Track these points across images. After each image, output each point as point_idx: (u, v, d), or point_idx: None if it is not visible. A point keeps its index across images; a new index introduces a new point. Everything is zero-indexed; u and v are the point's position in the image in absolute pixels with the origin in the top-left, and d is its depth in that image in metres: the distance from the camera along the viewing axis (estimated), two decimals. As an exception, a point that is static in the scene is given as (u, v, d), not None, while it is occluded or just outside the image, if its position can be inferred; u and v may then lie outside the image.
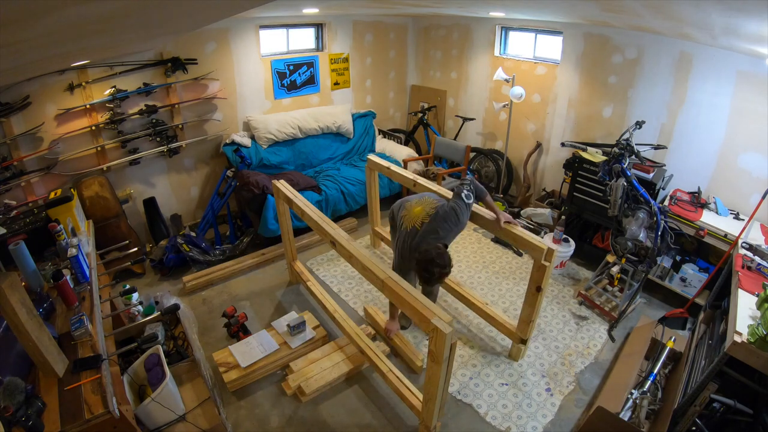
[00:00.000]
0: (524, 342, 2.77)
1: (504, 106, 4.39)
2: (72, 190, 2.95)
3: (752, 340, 1.91)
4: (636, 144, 2.99)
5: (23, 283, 1.88)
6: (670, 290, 3.32)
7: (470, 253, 4.04)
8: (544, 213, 4.13)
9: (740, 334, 1.97)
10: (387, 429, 2.43)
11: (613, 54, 3.75)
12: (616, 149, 3.00)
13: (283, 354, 2.77)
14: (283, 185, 3.13)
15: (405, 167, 4.41)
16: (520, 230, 2.59)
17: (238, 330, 2.99)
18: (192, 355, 2.59)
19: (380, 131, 5.39)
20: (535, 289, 2.52)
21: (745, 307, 2.17)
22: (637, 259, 3.12)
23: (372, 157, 3.70)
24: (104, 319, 2.12)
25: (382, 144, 5.17)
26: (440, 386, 2.02)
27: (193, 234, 3.81)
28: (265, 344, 2.80)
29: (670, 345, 2.62)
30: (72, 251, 2.18)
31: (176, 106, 3.84)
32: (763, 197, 2.66)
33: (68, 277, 2.06)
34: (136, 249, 2.97)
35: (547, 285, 2.50)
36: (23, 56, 1.61)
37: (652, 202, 2.92)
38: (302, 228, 4.10)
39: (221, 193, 3.97)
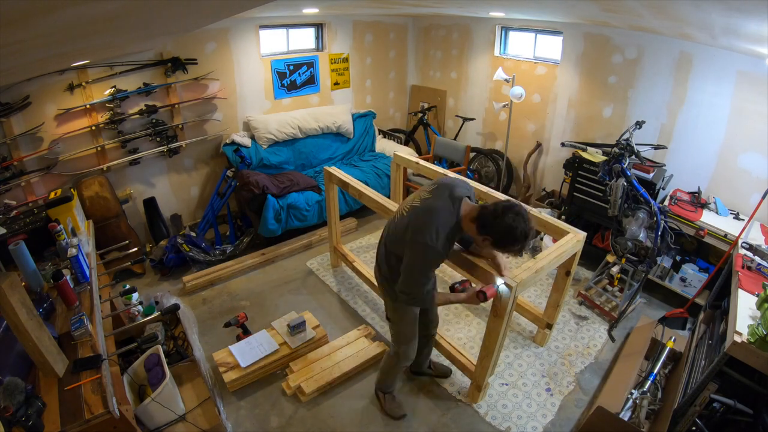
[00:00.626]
0: (550, 327, 2.87)
1: (504, 106, 4.39)
2: (72, 190, 2.95)
3: (752, 340, 1.91)
4: (636, 144, 2.99)
5: (23, 283, 1.88)
6: (670, 290, 3.32)
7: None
8: (544, 213, 4.12)
9: (740, 334, 1.97)
10: (388, 428, 2.43)
11: (613, 54, 3.75)
12: (616, 149, 3.00)
13: (283, 354, 2.78)
14: (334, 170, 3.31)
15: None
16: (550, 218, 2.67)
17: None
18: (192, 355, 2.59)
19: (380, 131, 5.40)
20: (565, 274, 2.61)
21: (745, 307, 2.17)
22: (637, 259, 3.12)
23: (398, 152, 3.78)
24: (104, 319, 2.12)
25: (382, 144, 5.18)
26: (499, 340, 2.17)
27: (193, 234, 3.81)
28: (265, 344, 2.80)
29: (670, 345, 2.62)
30: (72, 251, 2.18)
31: (176, 106, 3.84)
32: (763, 197, 2.66)
33: (68, 277, 2.06)
34: (136, 249, 2.97)
35: (575, 269, 2.61)
36: (23, 56, 1.62)
37: (652, 202, 2.92)
38: (303, 228, 4.11)
39: (221, 193, 3.97)
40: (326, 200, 3.49)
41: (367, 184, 3.62)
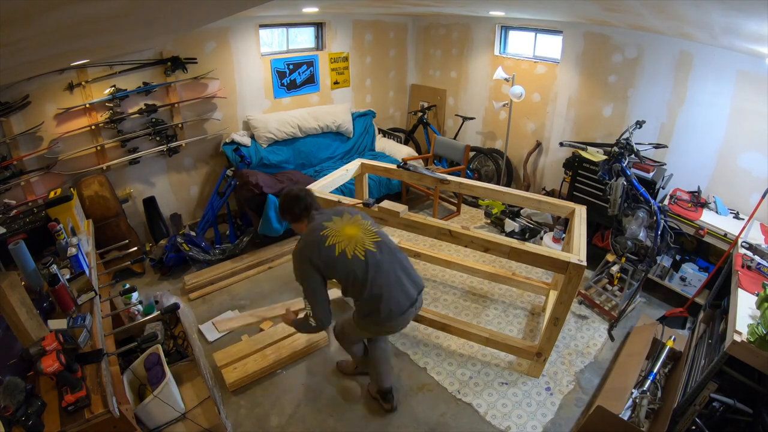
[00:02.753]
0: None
1: (504, 106, 4.39)
2: (72, 189, 2.94)
3: (752, 340, 1.91)
4: (636, 143, 2.99)
5: (23, 283, 1.88)
6: (669, 289, 3.32)
7: (470, 252, 4.04)
8: (544, 212, 4.13)
9: (740, 333, 1.97)
10: (389, 428, 2.43)
11: (613, 53, 3.74)
12: (615, 148, 2.99)
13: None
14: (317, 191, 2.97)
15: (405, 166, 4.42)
16: (549, 198, 2.86)
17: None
18: (192, 355, 2.59)
19: (380, 130, 5.39)
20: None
21: (744, 307, 2.17)
22: (637, 258, 3.12)
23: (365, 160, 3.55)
24: (104, 318, 2.12)
25: (382, 143, 5.17)
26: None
27: (192, 233, 3.80)
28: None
29: (669, 344, 2.62)
30: (72, 251, 2.18)
31: (176, 105, 3.83)
32: (763, 196, 2.66)
33: (66, 278, 2.06)
34: (135, 248, 2.96)
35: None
36: (23, 56, 1.61)
37: (652, 201, 2.91)
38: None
39: (221, 193, 3.96)
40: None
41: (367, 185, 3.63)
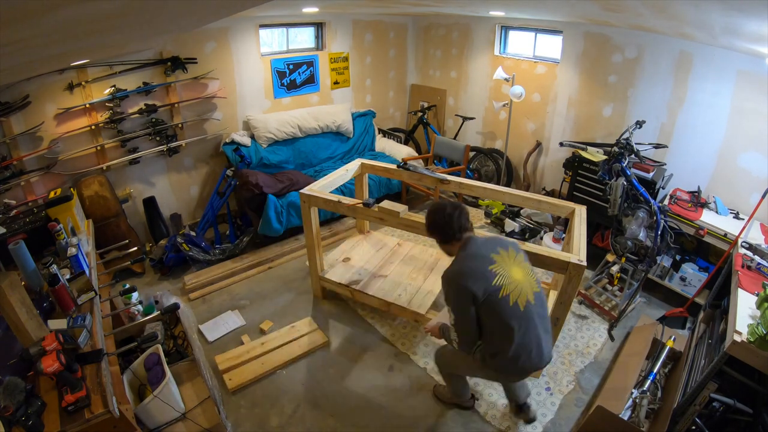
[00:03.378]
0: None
1: (504, 106, 4.39)
2: (72, 189, 2.94)
3: (752, 340, 1.91)
4: (636, 143, 2.99)
5: (23, 283, 1.88)
6: (669, 289, 3.32)
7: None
8: (544, 213, 4.13)
9: (740, 333, 1.97)
10: (387, 428, 2.43)
11: (613, 53, 3.74)
12: (615, 148, 2.99)
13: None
14: (315, 190, 2.93)
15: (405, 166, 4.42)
16: (550, 199, 2.84)
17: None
18: (192, 355, 2.59)
19: (380, 130, 5.39)
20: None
21: (744, 307, 2.17)
22: (637, 258, 3.12)
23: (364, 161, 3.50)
24: (104, 318, 2.12)
25: (382, 143, 5.17)
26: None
27: (192, 233, 3.80)
28: (230, 322, 3.14)
29: (669, 344, 2.62)
30: (72, 251, 2.18)
31: (176, 105, 3.83)
32: (763, 196, 2.65)
33: (66, 279, 2.05)
34: (135, 248, 2.96)
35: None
36: (23, 55, 1.61)
37: (652, 201, 2.91)
38: (302, 227, 4.10)
39: (221, 193, 3.96)
40: (304, 227, 3.06)
41: (367, 185, 3.63)
